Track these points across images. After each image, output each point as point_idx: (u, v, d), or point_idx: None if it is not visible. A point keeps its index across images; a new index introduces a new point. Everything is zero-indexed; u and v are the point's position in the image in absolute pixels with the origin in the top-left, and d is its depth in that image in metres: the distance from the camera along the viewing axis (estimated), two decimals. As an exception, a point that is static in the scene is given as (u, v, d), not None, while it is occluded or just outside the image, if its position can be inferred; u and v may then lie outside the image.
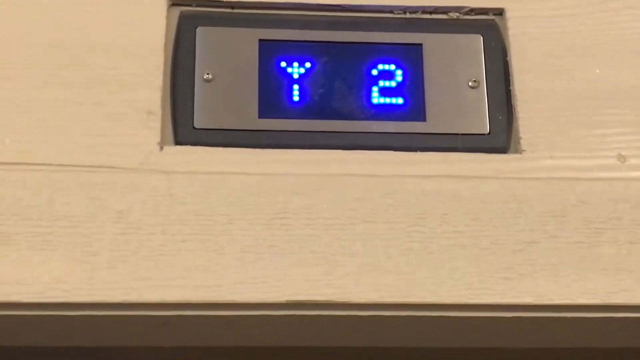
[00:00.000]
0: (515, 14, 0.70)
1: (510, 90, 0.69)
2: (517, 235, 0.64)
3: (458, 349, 0.68)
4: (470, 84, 0.69)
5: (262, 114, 0.67)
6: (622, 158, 0.67)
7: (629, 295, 0.62)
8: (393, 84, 0.68)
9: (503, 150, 0.67)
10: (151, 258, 0.61)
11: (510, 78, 0.69)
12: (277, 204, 0.63)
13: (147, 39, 0.67)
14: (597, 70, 0.69)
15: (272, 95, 0.67)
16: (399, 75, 0.69)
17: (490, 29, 0.70)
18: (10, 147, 0.64)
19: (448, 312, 0.62)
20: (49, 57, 0.66)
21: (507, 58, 0.69)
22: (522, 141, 0.67)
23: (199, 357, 0.72)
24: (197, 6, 0.70)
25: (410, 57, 0.69)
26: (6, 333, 0.62)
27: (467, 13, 0.71)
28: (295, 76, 0.68)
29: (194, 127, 0.66)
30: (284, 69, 0.68)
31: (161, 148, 0.65)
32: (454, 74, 0.69)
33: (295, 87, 0.68)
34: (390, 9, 0.71)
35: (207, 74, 0.67)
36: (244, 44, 0.68)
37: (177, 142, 0.65)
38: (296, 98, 0.68)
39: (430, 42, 0.69)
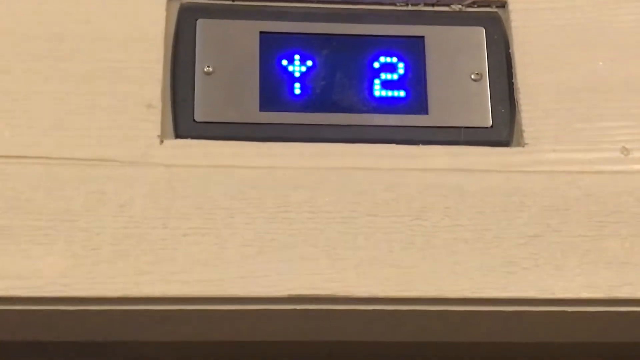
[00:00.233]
0: (518, 6, 0.70)
1: (512, 83, 0.68)
2: (520, 229, 0.63)
3: (461, 343, 0.68)
4: (472, 76, 0.68)
5: (263, 107, 0.66)
6: (625, 151, 0.66)
7: (633, 289, 0.62)
8: (395, 76, 0.68)
9: (506, 143, 0.67)
10: (152, 252, 0.61)
11: (513, 71, 0.68)
12: (279, 197, 0.63)
13: (147, 31, 0.67)
14: (601, 63, 0.69)
15: (273, 88, 0.67)
16: (401, 68, 0.68)
17: (493, 21, 0.70)
18: (10, 140, 0.63)
19: (450, 306, 0.62)
20: (49, 50, 0.66)
21: (510, 51, 0.69)
22: (525, 134, 0.67)
23: (201, 352, 0.72)
24: (197, -2, 0.69)
25: (413, 50, 0.69)
26: (5, 327, 0.62)
27: (469, 5, 0.71)
28: (297, 69, 0.68)
29: (194, 120, 0.66)
30: (285, 61, 0.68)
31: (161, 141, 0.64)
32: (457, 66, 0.69)
33: (297, 80, 0.67)
34: (392, 1, 0.70)
35: (208, 66, 0.67)
36: (244, 37, 0.68)
37: (178, 136, 0.65)
38: (297, 91, 0.67)
39: (433, 34, 0.69)
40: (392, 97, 0.68)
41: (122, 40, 0.66)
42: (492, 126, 0.68)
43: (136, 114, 0.65)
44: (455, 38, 0.69)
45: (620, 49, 0.69)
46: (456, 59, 0.69)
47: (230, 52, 0.67)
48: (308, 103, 0.67)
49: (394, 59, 0.68)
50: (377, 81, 0.68)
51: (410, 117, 0.67)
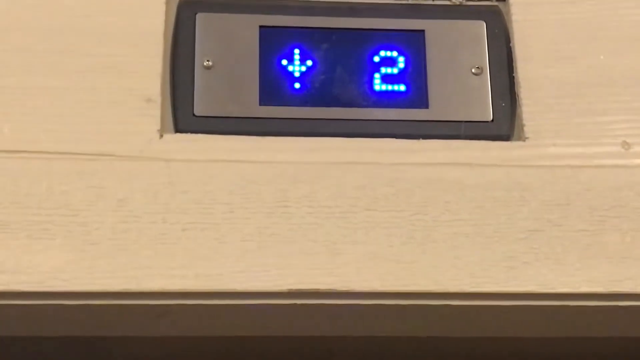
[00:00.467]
0: (519, 0, 0.70)
1: (513, 77, 0.68)
2: (521, 223, 0.63)
3: (461, 337, 0.68)
4: (473, 70, 0.68)
5: (263, 101, 0.66)
6: (626, 145, 0.66)
7: (633, 284, 0.62)
8: (395, 70, 0.68)
9: (506, 137, 0.67)
10: (151, 247, 0.61)
11: (514, 65, 0.68)
12: (278, 192, 0.63)
13: (146, 25, 0.67)
14: (601, 57, 0.69)
15: (273, 82, 0.67)
16: (401, 62, 0.68)
17: (494, 15, 0.70)
18: (9, 135, 0.63)
19: (451, 301, 0.62)
20: (48, 44, 0.66)
21: (511, 44, 0.69)
22: (525, 128, 0.66)
23: (200, 347, 0.72)
24: (197, -8, 0.69)
25: (413, 44, 0.69)
26: (5, 322, 0.62)
27: (470, -1, 0.71)
28: (297, 63, 0.67)
29: (194, 115, 0.66)
30: (285, 55, 0.67)
31: (161, 136, 0.64)
32: (457, 60, 0.68)
33: (297, 74, 0.67)
34: (392, -5, 0.70)
35: (207, 60, 0.67)
36: (244, 31, 0.68)
37: (177, 130, 0.65)
38: (297, 85, 0.67)
39: (433, 28, 0.69)
40: (393, 91, 0.68)
41: (122, 34, 0.66)
42: (492, 120, 0.67)
43: (136, 109, 0.64)
44: (456, 32, 0.69)
45: (621, 42, 0.69)
46: (457, 53, 0.69)
47: (229, 46, 0.67)
48: (308, 97, 0.67)
49: (394, 53, 0.68)
50: (377, 75, 0.68)
51: (410, 112, 0.67)
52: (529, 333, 0.67)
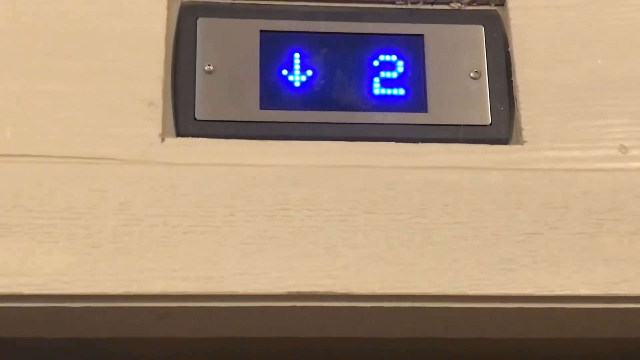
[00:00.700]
0: (517, 5, 0.70)
1: (512, 81, 0.68)
2: (519, 226, 0.64)
3: (459, 339, 0.68)
4: (472, 74, 0.69)
5: (263, 105, 0.67)
6: (623, 149, 0.67)
7: (630, 286, 0.62)
8: (394, 75, 0.68)
9: (505, 141, 0.67)
10: (152, 249, 0.61)
11: (512, 69, 0.68)
12: (278, 195, 0.63)
13: (148, 30, 0.67)
14: (599, 61, 0.69)
15: (273, 86, 0.67)
16: (400, 66, 0.69)
17: (492, 19, 0.70)
18: (11, 139, 0.63)
19: (449, 303, 0.62)
20: (50, 48, 0.66)
21: (509, 49, 0.69)
22: (523, 132, 0.67)
23: (200, 348, 0.72)
24: (198, -3, 0.70)
25: (412, 48, 0.69)
26: (7, 324, 0.62)
27: (468, 3, 0.71)
28: (297, 67, 0.68)
29: (195, 119, 0.66)
30: (286, 60, 0.68)
31: (162, 139, 0.65)
32: (456, 64, 0.69)
33: (297, 78, 0.68)
34: (391, 0, 0.70)
35: (209, 65, 0.67)
36: (245, 35, 0.68)
37: (179, 134, 0.65)
38: (297, 89, 0.67)
39: (432, 32, 0.69)
40: (392, 95, 0.68)
41: (124, 39, 0.66)
42: (491, 124, 0.68)
43: (137, 113, 0.65)
44: (455, 36, 0.69)
45: (619, 47, 0.69)
46: (455, 57, 0.69)
47: (230, 51, 0.68)
48: (308, 101, 0.67)
49: (394, 57, 0.69)
50: (376, 79, 0.68)
51: (409, 115, 0.68)
52: (527, 335, 0.67)
